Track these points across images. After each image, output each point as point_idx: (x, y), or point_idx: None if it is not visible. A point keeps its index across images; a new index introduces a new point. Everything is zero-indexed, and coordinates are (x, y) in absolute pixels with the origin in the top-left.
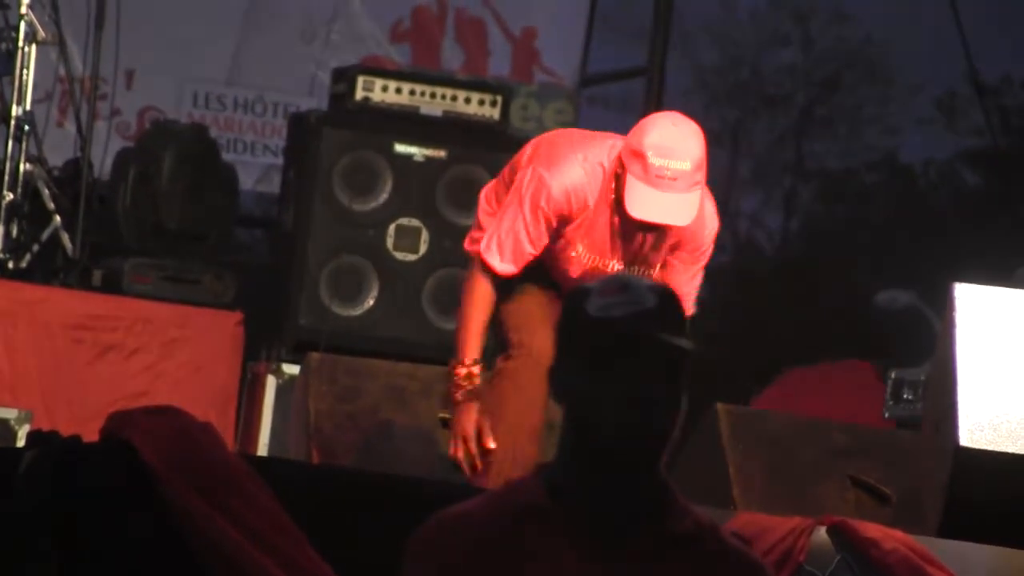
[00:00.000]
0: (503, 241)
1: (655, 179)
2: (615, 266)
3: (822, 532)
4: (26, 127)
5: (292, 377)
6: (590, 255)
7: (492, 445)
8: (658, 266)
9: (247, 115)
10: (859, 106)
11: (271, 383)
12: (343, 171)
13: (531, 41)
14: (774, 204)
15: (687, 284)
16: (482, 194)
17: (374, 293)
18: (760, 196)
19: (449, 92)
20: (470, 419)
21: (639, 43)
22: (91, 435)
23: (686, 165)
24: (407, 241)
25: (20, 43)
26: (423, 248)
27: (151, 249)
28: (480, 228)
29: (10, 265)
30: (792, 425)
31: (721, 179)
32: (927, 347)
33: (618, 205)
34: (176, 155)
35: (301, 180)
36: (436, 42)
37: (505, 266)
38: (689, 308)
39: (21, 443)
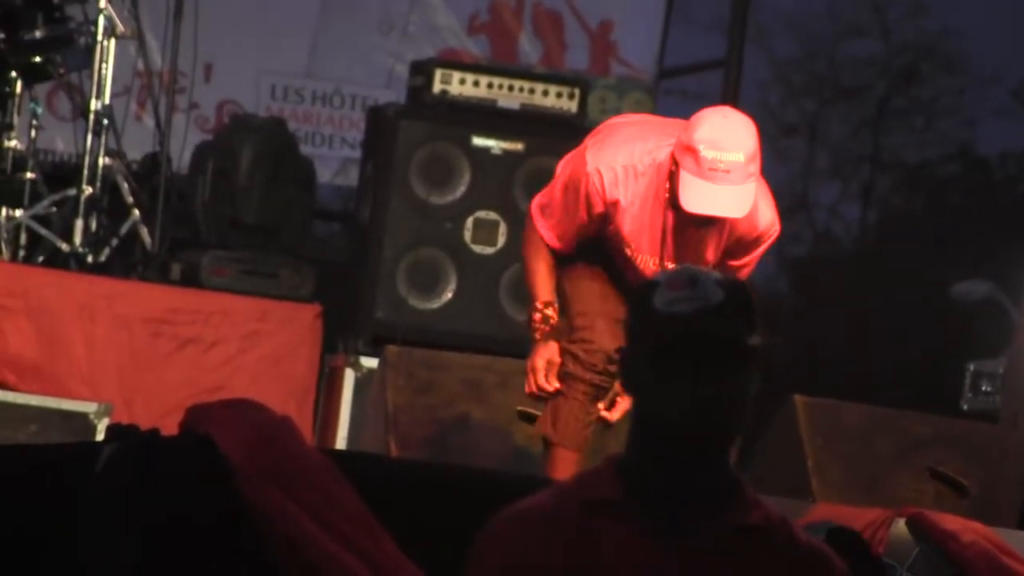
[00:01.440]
0: (550, 213)
1: (708, 172)
2: (660, 264)
3: (901, 524)
4: (105, 121)
5: (370, 370)
6: (641, 256)
7: (555, 385)
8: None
9: (325, 108)
10: (936, 97)
11: (349, 376)
12: (420, 164)
13: (608, 34)
14: (851, 195)
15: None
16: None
17: (451, 286)
18: (838, 187)
19: (527, 85)
20: (543, 355)
21: (717, 35)
22: (170, 428)
23: (739, 157)
24: (484, 234)
25: (99, 37)
26: (501, 241)
27: (229, 242)
28: (549, 187)
29: (89, 259)
30: (870, 416)
31: (799, 170)
32: (1005, 338)
33: (672, 203)
34: (254, 149)
35: (378, 173)
36: (513, 35)
37: (549, 235)
38: None
39: (101, 437)
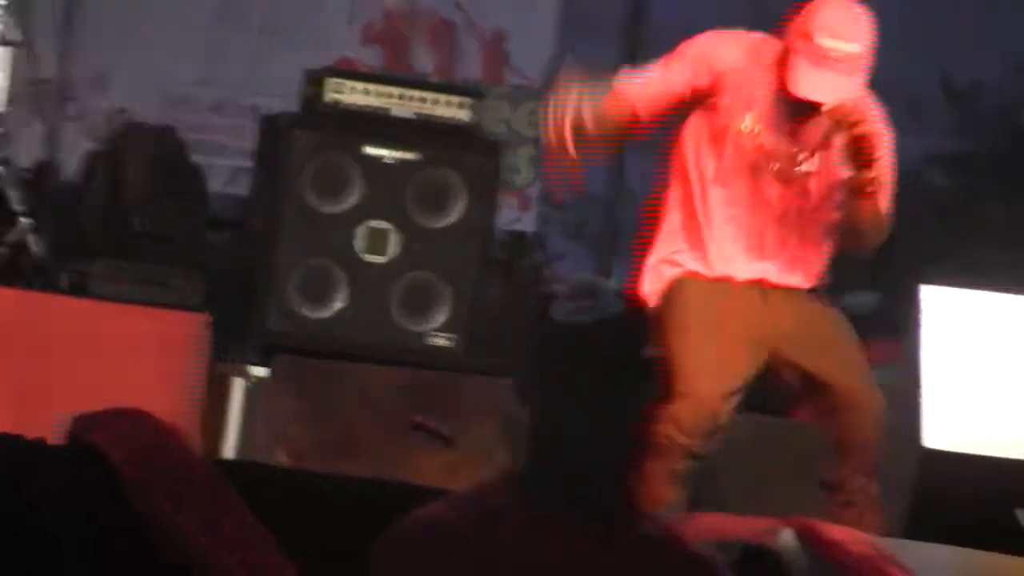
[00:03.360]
0: (640, 73)
1: (821, 59)
2: (786, 146)
3: (787, 533)
4: None
5: (260, 380)
6: (757, 126)
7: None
8: (829, 163)
9: (217, 117)
10: None
11: (238, 385)
12: (313, 173)
13: (502, 43)
14: None
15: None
16: None
17: (343, 296)
18: None
19: (420, 94)
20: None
21: (611, 44)
22: (57, 438)
23: (854, 48)
24: (377, 243)
25: None
26: (393, 250)
27: (119, 251)
28: None
29: None
30: (760, 426)
31: None
32: (892, 349)
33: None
34: (145, 157)
35: (270, 182)
36: (407, 44)
37: (639, 91)
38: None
39: None
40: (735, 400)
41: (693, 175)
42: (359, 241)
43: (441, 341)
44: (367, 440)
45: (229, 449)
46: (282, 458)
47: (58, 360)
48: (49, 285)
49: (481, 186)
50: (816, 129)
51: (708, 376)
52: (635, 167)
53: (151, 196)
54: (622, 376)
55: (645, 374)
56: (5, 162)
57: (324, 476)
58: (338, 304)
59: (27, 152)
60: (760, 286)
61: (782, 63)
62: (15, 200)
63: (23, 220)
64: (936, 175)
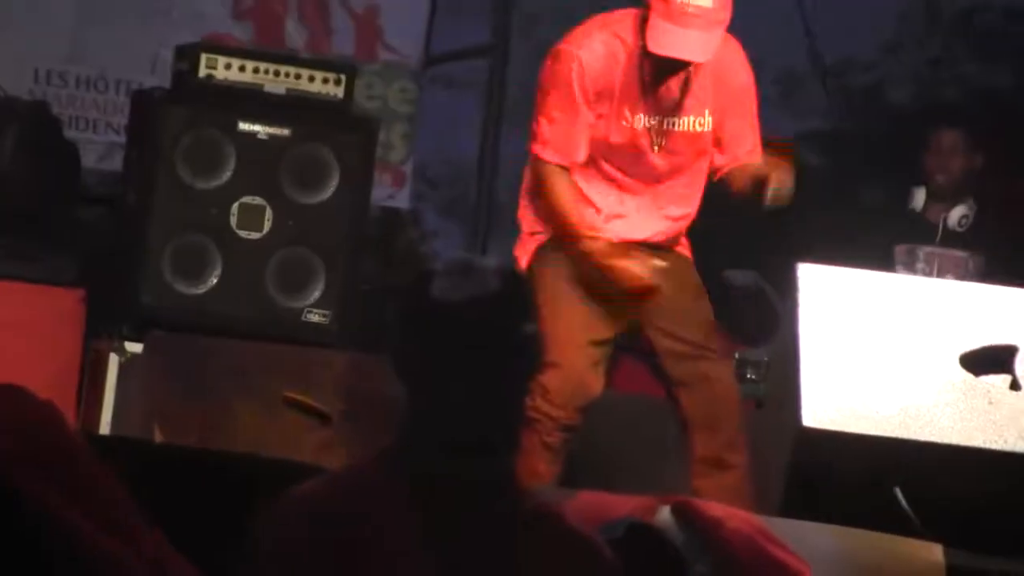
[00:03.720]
0: (554, 131)
1: (676, 15)
2: (647, 120)
3: (666, 511)
4: None
5: (134, 356)
6: (632, 116)
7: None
8: (697, 121)
9: (89, 92)
10: None
11: (113, 361)
12: (186, 149)
13: (374, 19)
14: None
15: (749, 133)
16: None
17: (217, 271)
18: None
19: (293, 70)
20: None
21: (483, 22)
22: None
23: (707, 2)
24: (250, 219)
25: None
26: (266, 226)
27: None
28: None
29: None
30: (637, 403)
31: None
32: (770, 327)
33: (644, 50)
34: (17, 133)
35: (143, 158)
36: (279, 20)
37: (559, 155)
38: (756, 154)
39: None
40: (602, 367)
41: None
42: (233, 217)
43: (315, 317)
44: (243, 416)
45: (105, 425)
46: (158, 434)
47: None
48: None
49: (354, 163)
50: (676, 83)
51: (575, 344)
52: (508, 144)
53: (23, 172)
54: (498, 352)
55: (522, 349)
56: None
57: (200, 451)
58: (212, 280)
59: None
60: (628, 244)
61: (644, 24)
62: None
63: None
64: (810, 154)
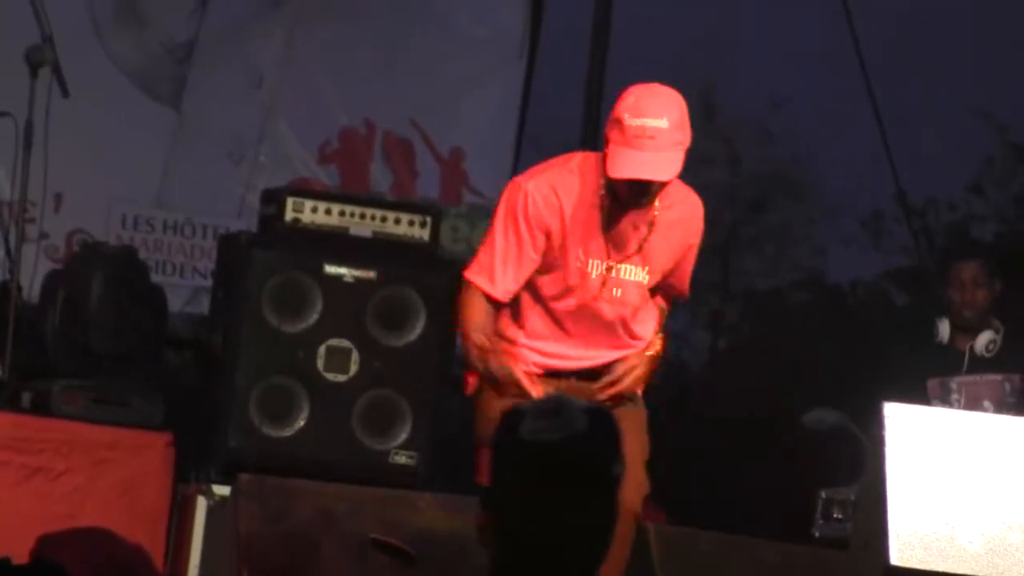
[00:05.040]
0: (490, 261)
1: (633, 140)
2: (609, 267)
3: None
4: None
5: (222, 498)
6: (586, 258)
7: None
8: (658, 268)
9: (176, 237)
10: (785, 225)
11: (201, 504)
12: (272, 292)
13: (459, 162)
14: (701, 323)
15: (676, 287)
16: None
17: (304, 414)
18: (687, 315)
19: (379, 213)
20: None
21: None
22: (21, 557)
23: (662, 123)
24: (337, 362)
25: None
26: (353, 368)
27: (80, 371)
28: (482, 248)
29: None
30: (722, 543)
31: None
32: (856, 467)
33: (607, 188)
34: (104, 277)
35: (230, 301)
36: (364, 163)
37: (484, 282)
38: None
39: None
40: None
41: (528, 291)
42: (320, 359)
43: (402, 459)
44: (329, 558)
45: (193, 568)
46: None
47: (19, 479)
48: (11, 404)
49: (439, 304)
50: (640, 233)
51: None
52: None
53: (111, 316)
54: (587, 492)
55: (611, 490)
56: None
57: None
58: (300, 422)
59: None
60: (577, 379)
61: (603, 160)
62: None
63: None
64: (895, 292)
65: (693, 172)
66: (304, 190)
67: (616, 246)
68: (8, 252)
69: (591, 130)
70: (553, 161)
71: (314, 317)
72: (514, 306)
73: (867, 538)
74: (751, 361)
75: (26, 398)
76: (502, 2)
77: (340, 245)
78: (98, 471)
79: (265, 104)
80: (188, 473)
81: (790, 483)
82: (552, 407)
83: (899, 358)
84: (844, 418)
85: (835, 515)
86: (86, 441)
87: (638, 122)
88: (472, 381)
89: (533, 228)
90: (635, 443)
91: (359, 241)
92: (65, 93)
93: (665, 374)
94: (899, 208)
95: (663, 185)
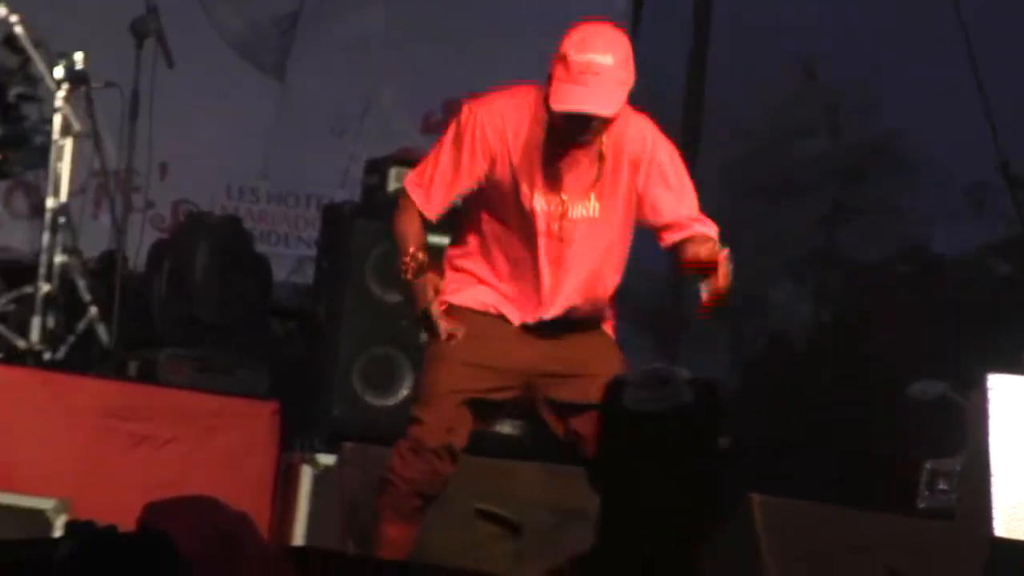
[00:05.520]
0: (430, 177)
1: (578, 75)
2: (563, 203)
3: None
4: (62, 219)
5: (327, 467)
6: (531, 193)
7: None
8: (616, 205)
9: (280, 207)
10: (887, 196)
11: (306, 473)
12: (376, 262)
13: None
14: (804, 295)
15: (681, 207)
16: None
17: (407, 383)
18: (791, 287)
19: None
20: (427, 291)
21: (669, 134)
22: (127, 525)
23: (607, 59)
24: None
25: (55, 136)
26: None
27: (186, 340)
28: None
29: (46, 356)
30: (826, 515)
31: (752, 271)
32: (960, 437)
33: (549, 124)
34: (210, 247)
35: (334, 271)
36: None
37: (419, 197)
38: (706, 227)
39: (58, 533)
40: (461, 434)
41: (478, 230)
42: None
43: (508, 429)
44: (435, 528)
45: (298, 536)
46: (351, 545)
47: (125, 447)
48: (118, 372)
49: None
50: (588, 170)
51: (438, 407)
52: None
53: (216, 286)
54: (692, 464)
55: (715, 461)
56: (73, 252)
57: (394, 564)
58: (403, 391)
59: (94, 242)
60: (528, 325)
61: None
62: (83, 289)
63: (91, 309)
64: (998, 263)
65: (793, 143)
66: (408, 159)
67: (560, 183)
68: (114, 221)
69: (693, 105)
70: (506, 91)
71: None
72: (482, 244)
73: (971, 510)
74: (854, 333)
75: (132, 366)
76: None
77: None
78: (204, 439)
79: (369, 74)
80: (293, 442)
81: (895, 454)
82: (658, 377)
83: (1003, 329)
84: (949, 389)
85: (940, 486)
86: (192, 409)
87: (583, 58)
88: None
89: (476, 153)
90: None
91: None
92: (170, 64)
93: (767, 347)
94: (1002, 178)
95: (605, 122)
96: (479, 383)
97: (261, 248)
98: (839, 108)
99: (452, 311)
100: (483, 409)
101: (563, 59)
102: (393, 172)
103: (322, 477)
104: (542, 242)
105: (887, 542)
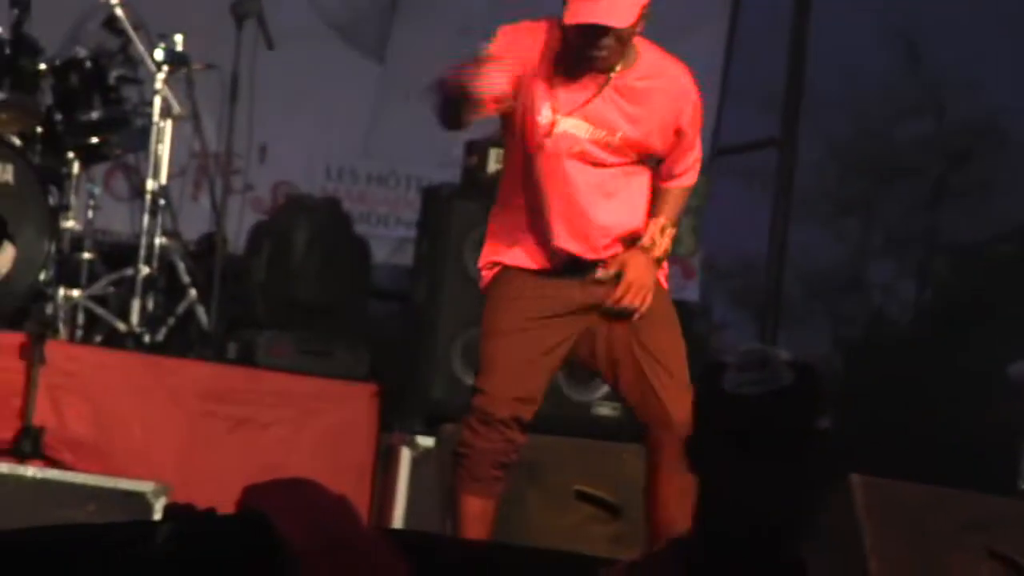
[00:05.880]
0: (480, 65)
1: None
2: (585, 128)
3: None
4: (161, 201)
5: (427, 450)
6: (556, 115)
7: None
8: (612, 133)
9: (380, 188)
10: (991, 176)
11: (406, 456)
12: (475, 244)
13: None
14: (907, 275)
15: (688, 154)
16: None
17: None
18: (892, 267)
19: None
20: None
21: (771, 114)
22: (227, 508)
23: None
24: None
25: (155, 118)
26: None
27: (285, 322)
28: None
29: (146, 339)
30: (927, 496)
31: (854, 249)
32: None
33: (563, 41)
34: (309, 229)
35: (433, 253)
36: None
37: (479, 83)
38: (694, 175)
39: (158, 516)
40: (528, 403)
41: (511, 173)
42: None
43: (606, 411)
44: (534, 509)
45: (398, 519)
46: (451, 528)
47: (226, 429)
48: (217, 355)
49: None
50: (584, 87)
51: (503, 378)
52: (797, 235)
53: (316, 268)
54: (794, 447)
55: (816, 445)
56: (173, 235)
57: (494, 545)
58: None
59: (194, 225)
60: (577, 264)
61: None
62: (183, 272)
63: (191, 291)
64: None
65: (898, 121)
66: None
67: (562, 98)
68: (214, 203)
69: (795, 85)
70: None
71: None
72: (512, 189)
73: None
74: (956, 314)
75: (232, 349)
76: None
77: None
78: (304, 422)
79: (471, 54)
80: (392, 424)
81: (997, 435)
82: (757, 359)
83: None
84: None
85: None
86: (292, 392)
87: None
88: (487, 275)
89: (513, 49)
90: (668, 339)
91: None
92: (270, 45)
93: (869, 326)
94: None
95: (619, 41)
96: (537, 344)
97: (360, 229)
98: (942, 88)
99: (501, 273)
100: (553, 362)
101: None
102: (493, 154)
103: (421, 459)
104: (563, 164)
105: (988, 523)
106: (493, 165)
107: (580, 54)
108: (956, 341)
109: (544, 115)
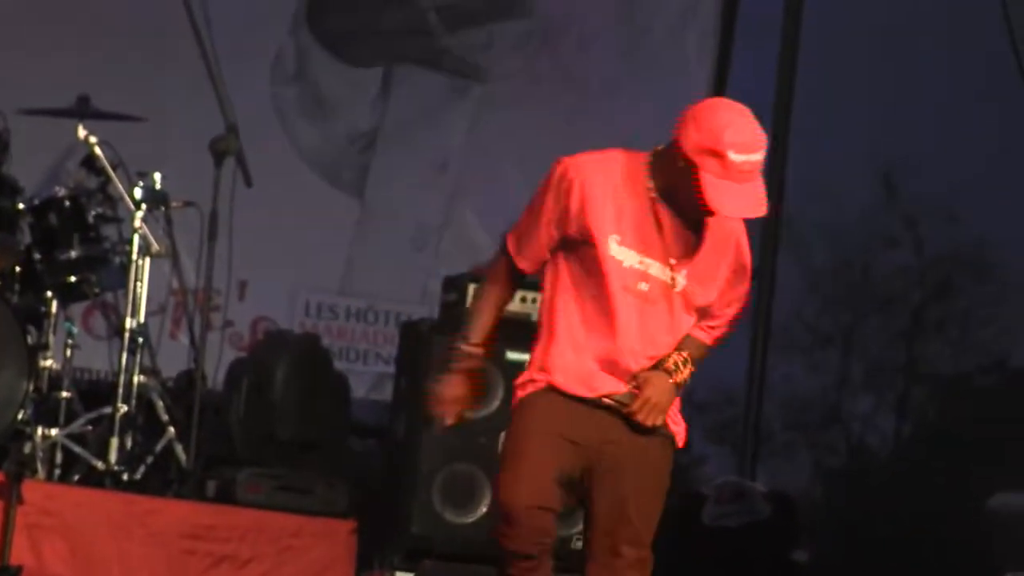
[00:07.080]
0: (521, 225)
1: (738, 175)
2: (659, 268)
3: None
4: (140, 339)
5: None
6: (629, 249)
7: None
8: (709, 279)
9: (359, 324)
10: (971, 308)
11: None
12: None
13: None
14: (886, 407)
15: (737, 301)
16: None
17: (487, 500)
18: (872, 399)
19: None
20: (454, 388)
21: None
22: None
23: (760, 156)
24: None
25: (134, 256)
26: None
27: (264, 459)
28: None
29: (125, 477)
30: None
31: (833, 381)
32: None
33: (675, 200)
34: (289, 365)
35: (413, 388)
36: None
37: (517, 248)
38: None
39: None
40: (552, 512)
41: (560, 298)
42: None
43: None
44: None
45: None
46: None
47: (205, 567)
48: (196, 492)
49: None
50: (687, 243)
51: (527, 480)
52: (775, 370)
53: (295, 404)
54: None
55: (790, 574)
56: (152, 372)
57: None
58: (482, 508)
59: (173, 362)
60: (604, 400)
61: (671, 177)
62: (161, 409)
63: (169, 429)
64: None
65: (877, 252)
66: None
67: (656, 244)
68: (193, 340)
69: (774, 211)
70: (601, 151)
71: (496, 403)
72: (561, 313)
73: None
74: (936, 446)
75: (211, 486)
76: (688, 84)
77: (522, 331)
78: (283, 559)
79: (449, 190)
80: (371, 561)
81: (976, 568)
82: (733, 492)
83: None
84: None
85: None
86: (271, 529)
87: (743, 158)
88: (519, 394)
89: (559, 201)
90: (648, 478)
91: None
92: (248, 183)
93: (848, 459)
94: None
95: None
96: (568, 459)
97: (340, 365)
98: (920, 221)
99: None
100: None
101: (718, 156)
102: (471, 288)
103: None
104: (623, 299)
105: None
106: (471, 300)
107: (686, 213)
108: (937, 474)
109: (615, 249)
